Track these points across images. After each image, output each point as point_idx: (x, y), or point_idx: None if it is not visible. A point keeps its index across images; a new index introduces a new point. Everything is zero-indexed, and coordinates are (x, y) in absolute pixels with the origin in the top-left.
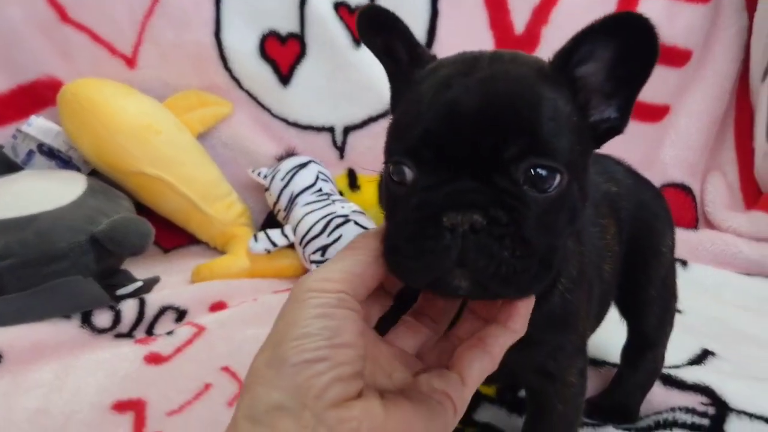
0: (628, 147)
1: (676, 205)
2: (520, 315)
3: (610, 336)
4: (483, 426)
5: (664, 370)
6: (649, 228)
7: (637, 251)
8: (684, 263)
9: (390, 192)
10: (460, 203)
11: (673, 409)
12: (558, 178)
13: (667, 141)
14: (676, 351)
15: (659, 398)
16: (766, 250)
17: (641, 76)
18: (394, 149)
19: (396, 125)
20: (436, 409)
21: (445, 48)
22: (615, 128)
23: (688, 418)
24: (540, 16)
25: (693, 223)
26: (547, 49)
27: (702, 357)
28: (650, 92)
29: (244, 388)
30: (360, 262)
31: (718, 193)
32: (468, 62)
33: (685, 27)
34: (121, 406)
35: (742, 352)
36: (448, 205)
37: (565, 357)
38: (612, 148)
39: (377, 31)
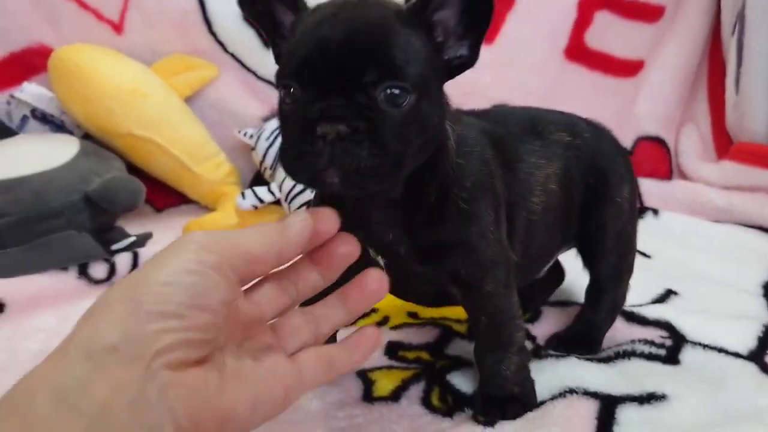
0: (603, 101)
1: (651, 158)
2: (366, 351)
3: (579, 279)
4: (454, 358)
5: (627, 308)
6: (604, 178)
7: (593, 200)
8: (655, 212)
9: (282, 109)
10: (329, 116)
11: (633, 341)
12: (408, 97)
13: (641, 95)
14: (641, 291)
15: (622, 333)
16: (734, 198)
17: (484, 22)
18: (283, 74)
19: (284, 57)
20: (269, 393)
21: None
22: (467, 63)
23: (646, 348)
24: None
25: (667, 175)
26: (522, 6)
27: (665, 296)
28: (624, 47)
29: (87, 315)
30: (257, 244)
31: (692, 145)
32: (339, 5)
33: None
34: None
35: (703, 291)
36: (320, 118)
37: (476, 265)
38: (587, 102)
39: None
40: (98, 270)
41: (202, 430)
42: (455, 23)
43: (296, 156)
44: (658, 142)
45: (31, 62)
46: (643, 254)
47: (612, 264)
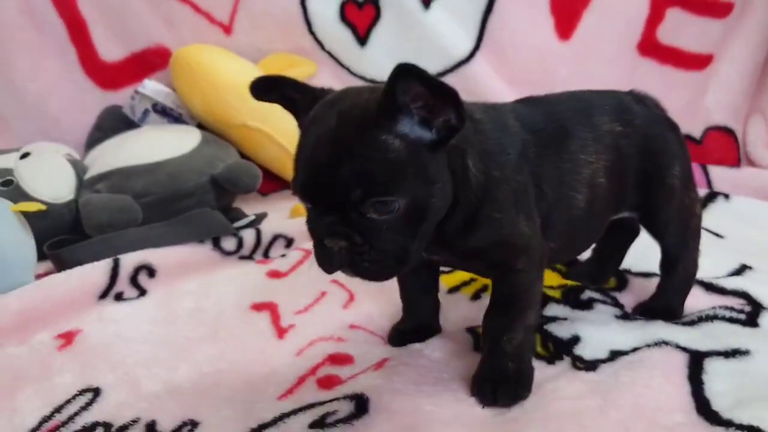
0: (674, 94)
1: (720, 146)
2: None
3: (656, 252)
4: (550, 318)
5: (707, 279)
6: (655, 161)
7: (646, 182)
8: (726, 196)
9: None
10: (331, 233)
11: (714, 308)
12: (396, 203)
13: (710, 87)
14: (718, 266)
15: (703, 301)
16: None
17: (446, 97)
18: (293, 188)
19: (293, 169)
20: None
21: (506, 9)
22: (455, 126)
23: (727, 313)
24: None
25: (736, 162)
26: (598, 5)
27: (741, 270)
28: (694, 42)
29: None
30: None
31: (759, 134)
32: (326, 117)
33: None
34: (258, 307)
35: None
36: (324, 233)
37: (511, 251)
38: (658, 93)
39: (267, 92)
40: (229, 243)
41: None
42: (428, 100)
43: (319, 257)
44: (727, 131)
45: (150, 61)
46: (717, 234)
47: (675, 234)
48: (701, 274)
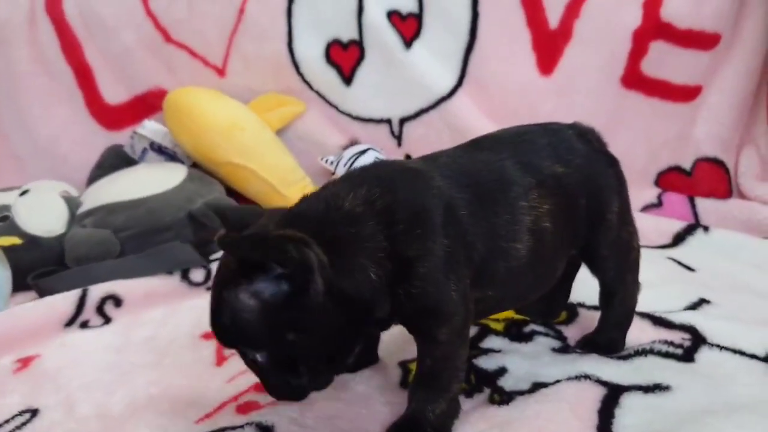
0: (662, 125)
1: (710, 178)
2: None
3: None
4: (485, 350)
5: (657, 313)
6: (596, 198)
7: (588, 218)
8: (706, 229)
9: None
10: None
11: (653, 342)
12: (258, 356)
13: (700, 118)
14: (677, 300)
15: (648, 334)
16: None
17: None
18: None
19: None
20: None
21: (487, 46)
22: (304, 268)
23: (664, 348)
24: (572, 10)
25: (726, 195)
26: (579, 41)
27: (698, 304)
28: (681, 74)
29: None
30: None
31: (751, 166)
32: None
33: (713, 12)
34: (207, 335)
35: (739, 300)
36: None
37: (434, 318)
38: (646, 125)
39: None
40: (197, 275)
41: None
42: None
43: None
44: (717, 163)
45: (151, 103)
46: (688, 267)
47: (613, 268)
48: (655, 307)
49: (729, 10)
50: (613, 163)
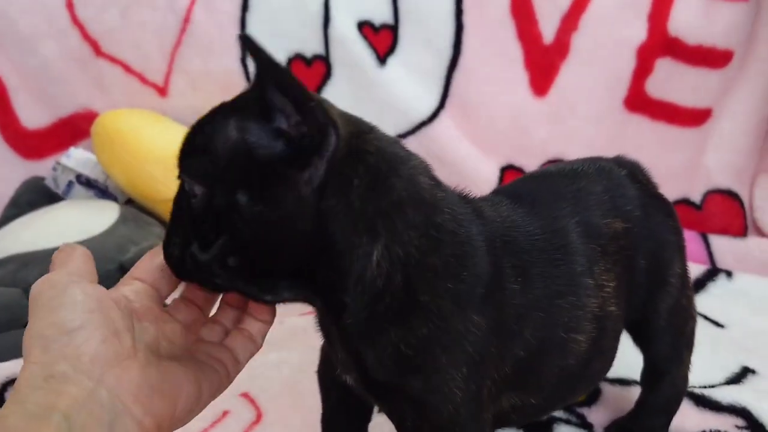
0: (669, 153)
1: (723, 212)
2: (262, 308)
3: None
4: None
5: (698, 391)
6: (656, 259)
7: (648, 283)
8: (729, 274)
9: None
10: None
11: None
12: (197, 189)
13: (710, 145)
14: (714, 369)
15: (693, 420)
16: None
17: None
18: None
19: None
20: (210, 371)
21: (473, 63)
22: (319, 143)
23: None
24: (569, 23)
25: (742, 231)
26: (577, 58)
27: (741, 375)
28: (690, 96)
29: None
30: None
31: (767, 198)
32: None
33: (724, 27)
34: None
35: None
36: None
37: (425, 419)
38: (652, 153)
39: None
40: None
41: (157, 415)
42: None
43: None
44: (730, 195)
45: (78, 127)
46: (716, 323)
47: (668, 343)
48: (693, 379)
49: (743, 24)
50: (671, 212)
